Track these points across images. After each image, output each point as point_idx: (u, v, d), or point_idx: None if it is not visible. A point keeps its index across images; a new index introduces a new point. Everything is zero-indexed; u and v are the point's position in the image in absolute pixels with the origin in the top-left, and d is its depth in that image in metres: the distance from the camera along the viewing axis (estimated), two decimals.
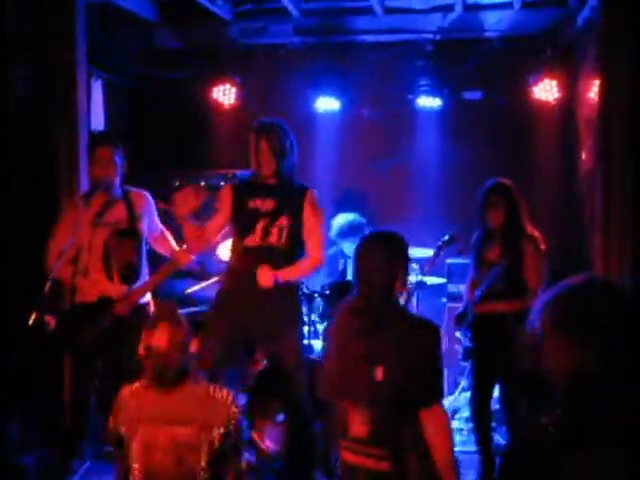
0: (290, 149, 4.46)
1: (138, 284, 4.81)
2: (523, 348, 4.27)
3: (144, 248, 4.93)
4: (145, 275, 4.93)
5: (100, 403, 5.05)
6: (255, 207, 4.39)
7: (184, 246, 4.88)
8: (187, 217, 4.35)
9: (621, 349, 1.74)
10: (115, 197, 4.86)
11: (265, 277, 4.27)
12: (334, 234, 6.24)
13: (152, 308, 4.95)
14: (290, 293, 4.45)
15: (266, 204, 4.39)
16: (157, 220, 5.03)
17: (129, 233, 4.84)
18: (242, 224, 4.42)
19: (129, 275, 4.80)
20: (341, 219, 6.25)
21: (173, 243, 5.01)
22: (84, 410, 5.00)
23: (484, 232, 4.84)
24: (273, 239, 4.35)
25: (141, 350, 3.35)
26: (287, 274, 4.31)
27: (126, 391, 3.43)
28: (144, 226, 4.92)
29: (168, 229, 5.07)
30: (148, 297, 4.97)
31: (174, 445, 3.24)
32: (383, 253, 3.18)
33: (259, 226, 4.36)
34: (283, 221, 4.37)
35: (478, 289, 4.76)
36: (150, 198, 5.01)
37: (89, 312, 4.71)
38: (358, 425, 3.08)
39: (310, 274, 4.51)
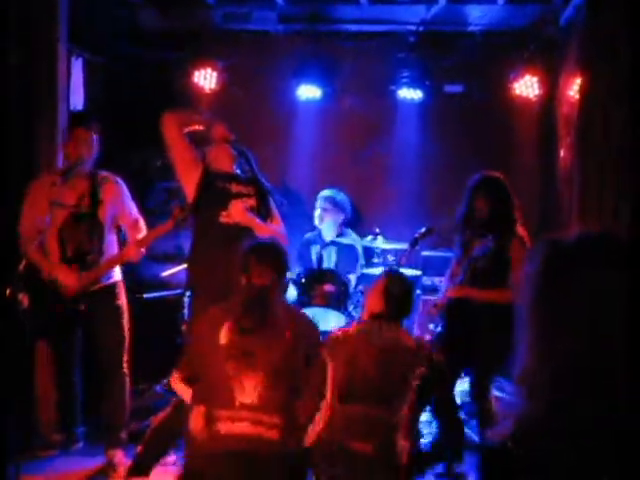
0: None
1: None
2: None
3: (106, 235, 4.86)
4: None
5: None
6: (227, 188, 4.53)
7: (139, 237, 4.84)
8: None
9: None
10: (81, 178, 4.80)
11: (238, 211, 4.42)
12: (320, 202, 6.31)
13: (121, 287, 4.93)
14: None
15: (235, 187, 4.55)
16: (129, 209, 4.95)
17: (87, 217, 4.80)
18: (214, 201, 4.51)
19: (80, 261, 4.76)
20: (327, 191, 6.35)
21: (140, 235, 4.91)
22: (70, 389, 5.01)
23: (470, 226, 4.84)
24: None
25: None
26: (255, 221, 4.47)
27: None
28: (107, 212, 4.84)
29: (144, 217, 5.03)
30: (117, 277, 4.94)
31: None
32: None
33: (232, 203, 4.48)
34: (253, 202, 4.53)
35: (459, 276, 4.77)
36: (120, 184, 4.94)
37: (43, 291, 4.70)
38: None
39: (270, 233, 4.39)
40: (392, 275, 3.89)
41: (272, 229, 4.50)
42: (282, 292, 3.76)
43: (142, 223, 4.97)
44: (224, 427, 3.29)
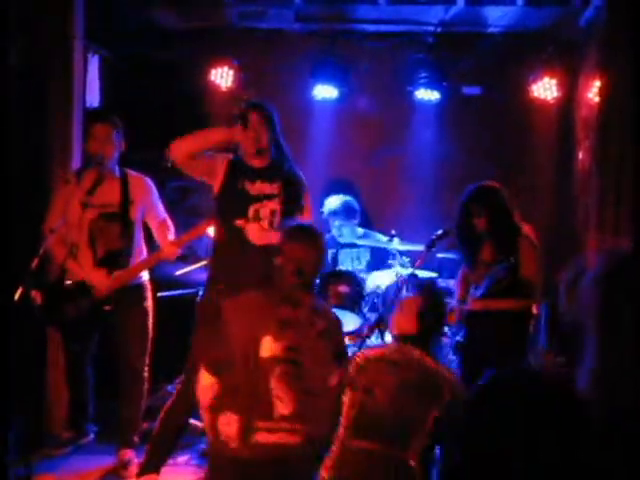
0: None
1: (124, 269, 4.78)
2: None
3: (136, 234, 4.86)
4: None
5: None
6: (246, 190, 4.35)
7: (172, 238, 4.83)
8: None
9: None
10: (110, 177, 4.79)
11: (254, 235, 4.27)
12: (326, 211, 6.26)
13: (148, 289, 4.92)
14: None
15: (257, 187, 4.36)
16: (158, 208, 4.94)
17: (118, 217, 4.78)
18: (232, 205, 4.37)
19: (112, 261, 4.75)
20: (334, 199, 6.30)
21: (169, 234, 4.91)
22: (82, 387, 5.00)
23: (470, 235, 4.80)
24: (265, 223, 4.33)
25: None
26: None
27: None
28: (137, 212, 4.84)
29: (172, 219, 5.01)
30: (145, 277, 4.93)
31: None
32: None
33: (251, 209, 4.32)
34: (276, 205, 4.34)
35: (478, 288, 4.73)
36: (150, 184, 4.93)
37: (72, 292, 4.69)
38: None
39: None
40: (428, 294, 3.72)
41: None
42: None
43: (169, 222, 4.96)
44: (262, 438, 3.26)
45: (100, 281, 4.68)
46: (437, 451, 3.44)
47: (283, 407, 3.26)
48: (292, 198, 4.38)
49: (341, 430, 3.37)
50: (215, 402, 3.35)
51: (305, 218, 4.39)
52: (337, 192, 6.46)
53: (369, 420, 3.36)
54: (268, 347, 3.29)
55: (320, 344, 3.36)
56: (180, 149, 4.28)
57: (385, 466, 3.28)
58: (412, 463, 3.28)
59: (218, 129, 4.39)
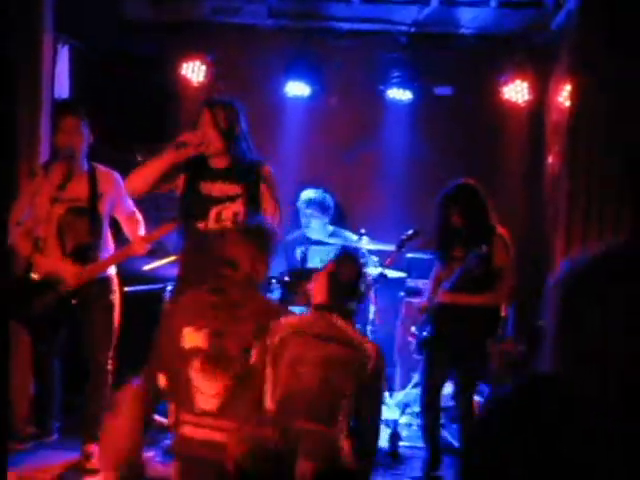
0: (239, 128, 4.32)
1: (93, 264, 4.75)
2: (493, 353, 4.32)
3: (104, 229, 4.83)
4: (107, 254, 4.86)
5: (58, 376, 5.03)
6: (207, 191, 4.27)
7: (142, 232, 4.80)
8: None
9: None
10: (78, 171, 4.75)
11: None
12: (300, 201, 6.25)
13: (115, 282, 4.89)
14: None
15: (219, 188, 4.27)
16: (126, 202, 4.89)
17: (86, 212, 4.74)
18: (193, 207, 4.31)
19: (81, 256, 4.72)
20: (311, 191, 6.34)
21: (139, 228, 4.89)
22: (48, 382, 4.95)
23: (447, 232, 4.82)
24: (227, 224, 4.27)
25: None
26: None
27: None
28: (106, 206, 4.81)
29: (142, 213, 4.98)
30: (112, 271, 4.89)
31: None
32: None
33: (213, 211, 4.25)
34: (238, 207, 4.25)
35: (447, 281, 4.75)
36: (118, 178, 4.88)
37: (38, 286, 4.65)
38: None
39: None
40: (341, 259, 3.66)
41: None
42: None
43: (139, 216, 4.93)
44: (188, 431, 3.29)
45: (69, 273, 4.64)
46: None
47: (204, 401, 3.26)
48: (256, 198, 4.28)
49: (267, 407, 3.30)
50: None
51: (269, 215, 4.27)
52: (306, 189, 6.46)
53: (295, 397, 3.29)
54: (189, 338, 3.31)
55: (243, 327, 3.33)
56: (136, 185, 4.27)
57: (313, 443, 3.23)
58: (341, 439, 3.26)
59: (167, 153, 4.21)
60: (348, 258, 3.69)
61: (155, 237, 4.75)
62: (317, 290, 3.55)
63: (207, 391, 3.27)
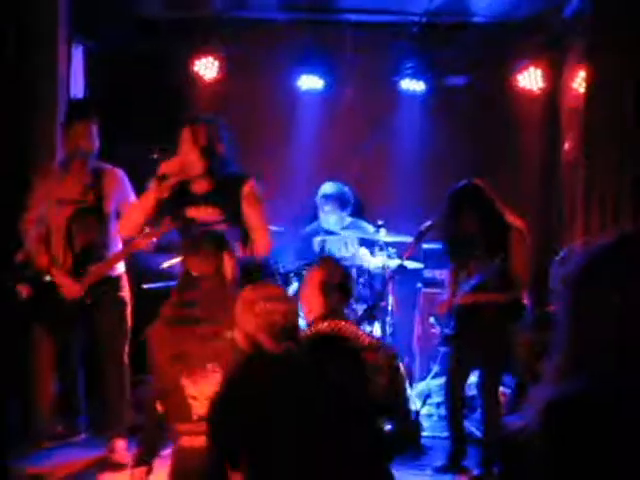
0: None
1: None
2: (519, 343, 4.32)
3: (111, 227, 4.85)
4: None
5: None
6: (191, 216, 4.21)
7: (146, 229, 4.81)
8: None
9: None
10: (86, 171, 4.79)
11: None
12: (319, 195, 6.24)
13: (124, 279, 4.92)
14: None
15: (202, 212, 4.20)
16: (131, 199, 4.90)
17: (93, 211, 4.78)
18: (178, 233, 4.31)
19: (89, 255, 4.78)
20: (331, 185, 6.30)
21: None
22: (71, 382, 5.01)
23: (458, 232, 4.80)
24: None
25: None
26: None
27: None
28: (112, 205, 4.83)
29: None
30: (121, 269, 4.93)
31: None
32: None
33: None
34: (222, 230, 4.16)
35: (466, 283, 4.75)
36: (122, 175, 4.91)
37: (53, 288, 4.70)
38: None
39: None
40: (324, 264, 3.61)
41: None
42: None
43: None
44: (186, 442, 3.31)
45: (69, 289, 4.70)
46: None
47: (199, 406, 3.23)
48: (239, 218, 4.20)
49: None
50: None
51: (256, 232, 4.22)
52: (320, 183, 6.43)
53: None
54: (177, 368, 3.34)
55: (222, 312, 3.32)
56: (128, 231, 4.40)
57: None
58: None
59: (151, 190, 4.15)
60: (331, 261, 3.72)
61: (161, 232, 4.77)
62: (312, 301, 3.48)
63: (200, 395, 3.25)
